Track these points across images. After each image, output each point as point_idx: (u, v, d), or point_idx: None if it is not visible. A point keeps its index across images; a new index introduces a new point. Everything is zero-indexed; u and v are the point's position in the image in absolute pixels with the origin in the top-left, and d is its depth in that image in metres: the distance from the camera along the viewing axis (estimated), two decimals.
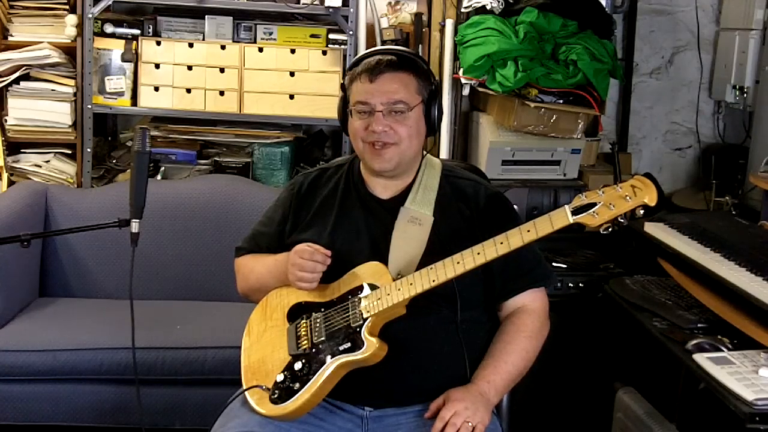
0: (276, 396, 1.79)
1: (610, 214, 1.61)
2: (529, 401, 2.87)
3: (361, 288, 1.82)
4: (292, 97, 3.39)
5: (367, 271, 1.83)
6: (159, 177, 3.42)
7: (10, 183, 3.33)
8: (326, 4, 3.29)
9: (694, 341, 2.17)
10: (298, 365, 1.79)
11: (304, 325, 1.85)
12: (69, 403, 2.73)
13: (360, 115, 1.90)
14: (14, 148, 3.40)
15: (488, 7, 3.18)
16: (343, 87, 1.98)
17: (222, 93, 3.38)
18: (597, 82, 3.09)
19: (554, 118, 3.11)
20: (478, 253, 1.72)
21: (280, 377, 1.80)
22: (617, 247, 3.09)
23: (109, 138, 3.66)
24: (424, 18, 3.46)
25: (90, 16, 3.27)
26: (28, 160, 3.41)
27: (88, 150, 3.36)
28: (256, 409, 1.80)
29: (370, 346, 1.74)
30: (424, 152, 2.00)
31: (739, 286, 2.22)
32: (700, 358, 2.06)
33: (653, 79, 3.82)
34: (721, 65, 3.62)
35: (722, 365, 2.00)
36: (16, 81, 3.31)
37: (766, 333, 2.10)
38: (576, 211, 1.64)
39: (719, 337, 2.19)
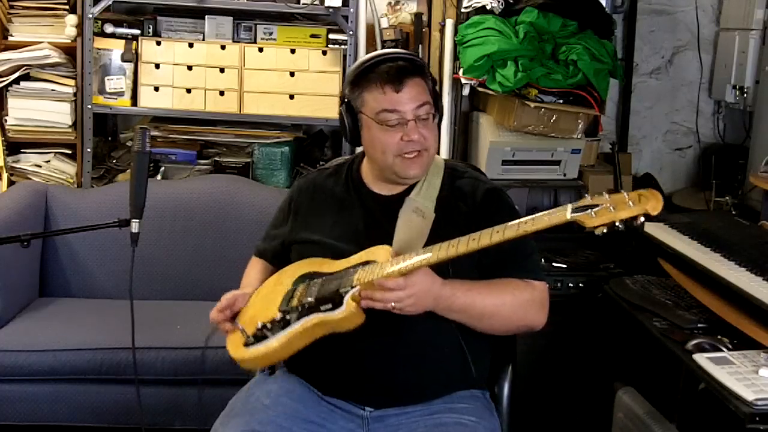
0: (250, 342, 1.80)
1: (609, 216, 1.56)
2: (530, 401, 2.88)
3: (363, 263, 1.82)
4: (292, 97, 3.39)
5: (373, 252, 1.84)
6: (159, 177, 3.42)
7: (10, 183, 3.34)
8: (326, 4, 3.29)
9: (694, 341, 2.17)
10: (278, 317, 1.80)
11: (302, 287, 1.86)
12: (69, 403, 2.73)
13: (388, 127, 1.86)
14: (14, 148, 3.40)
15: (488, 7, 3.18)
16: (345, 99, 1.93)
17: (222, 93, 3.38)
18: (597, 82, 3.09)
19: (554, 118, 3.11)
20: (473, 239, 1.70)
21: (259, 325, 1.81)
22: (617, 247, 3.09)
23: (109, 138, 3.66)
24: (424, 18, 3.46)
25: (90, 16, 3.27)
26: (28, 160, 3.41)
27: (88, 150, 3.36)
28: (229, 353, 1.82)
29: (347, 309, 1.73)
30: None
31: (739, 286, 2.22)
32: (700, 358, 2.06)
33: (653, 79, 3.82)
34: (721, 65, 3.62)
35: (722, 365, 2.00)
36: (16, 81, 3.31)
37: (766, 333, 2.10)
38: (577, 210, 1.61)
39: (719, 337, 2.19)
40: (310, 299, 1.79)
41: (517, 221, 1.68)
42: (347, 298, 1.74)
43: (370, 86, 1.87)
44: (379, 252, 1.82)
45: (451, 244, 1.71)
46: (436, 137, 1.92)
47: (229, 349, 1.84)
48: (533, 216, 1.67)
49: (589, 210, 1.57)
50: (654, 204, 1.54)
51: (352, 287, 1.75)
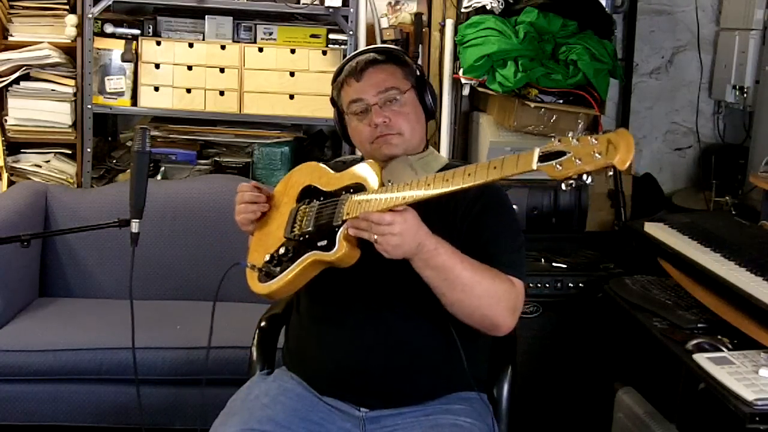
0: (263, 274, 1.86)
1: (575, 169, 1.52)
2: (529, 401, 2.88)
3: (355, 186, 1.82)
4: (292, 97, 3.39)
5: (364, 170, 1.84)
6: (159, 177, 3.42)
7: (10, 183, 3.34)
8: (326, 4, 3.30)
9: (694, 341, 2.17)
10: (282, 250, 1.86)
11: (303, 210, 1.89)
12: (69, 403, 2.73)
13: (358, 116, 1.92)
14: (14, 148, 3.40)
15: (488, 7, 3.19)
16: (333, 101, 2.03)
17: (222, 93, 3.38)
18: (597, 82, 3.09)
19: (554, 118, 3.11)
20: (446, 180, 1.67)
21: (267, 257, 1.88)
22: (617, 247, 3.09)
23: (109, 138, 3.66)
24: (424, 18, 3.46)
25: (90, 16, 3.27)
26: (28, 160, 3.41)
27: (88, 150, 3.36)
28: (250, 286, 1.89)
29: (340, 249, 1.75)
30: (429, 145, 2.02)
31: (739, 286, 2.22)
32: (700, 358, 2.06)
33: (653, 79, 3.82)
34: (721, 65, 3.61)
35: (722, 365, 2.00)
36: (16, 81, 3.31)
37: (766, 333, 2.09)
38: (544, 158, 1.56)
39: (719, 337, 2.19)
40: (310, 230, 1.83)
41: (487, 163, 1.66)
42: (339, 237, 1.76)
43: (342, 83, 1.96)
44: (369, 168, 1.83)
45: (427, 182, 1.68)
46: (411, 121, 1.92)
47: (249, 283, 1.91)
48: (504, 158, 1.65)
49: (554, 162, 1.53)
50: (622, 156, 1.50)
51: (343, 222, 1.77)
